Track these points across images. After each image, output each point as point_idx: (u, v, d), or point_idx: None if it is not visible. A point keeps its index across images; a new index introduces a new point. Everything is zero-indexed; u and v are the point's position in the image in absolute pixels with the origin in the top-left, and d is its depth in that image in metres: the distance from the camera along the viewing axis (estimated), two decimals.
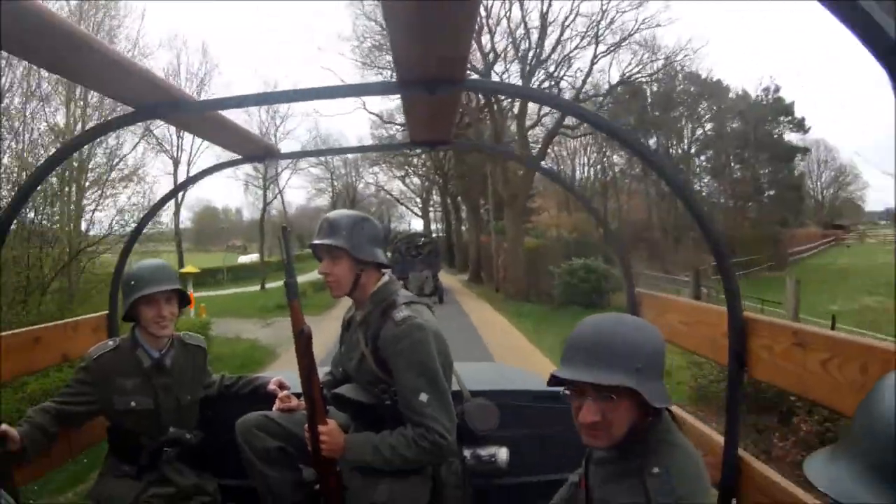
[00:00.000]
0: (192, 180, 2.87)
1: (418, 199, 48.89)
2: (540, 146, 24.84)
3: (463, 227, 40.74)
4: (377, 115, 29.34)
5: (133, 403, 2.15)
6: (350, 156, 39.51)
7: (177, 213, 24.68)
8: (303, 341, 1.95)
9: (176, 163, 28.75)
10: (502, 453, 2.17)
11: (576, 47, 22.81)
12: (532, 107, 22.68)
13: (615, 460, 1.37)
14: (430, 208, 49.31)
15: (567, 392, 1.35)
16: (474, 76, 18.12)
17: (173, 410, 2.22)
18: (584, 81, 22.96)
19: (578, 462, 1.55)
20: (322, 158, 38.19)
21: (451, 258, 40.79)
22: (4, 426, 1.92)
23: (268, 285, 28.44)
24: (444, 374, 1.94)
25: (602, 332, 1.33)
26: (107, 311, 2.68)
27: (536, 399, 2.42)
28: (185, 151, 30.04)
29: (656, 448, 1.31)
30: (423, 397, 1.86)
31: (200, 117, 2.07)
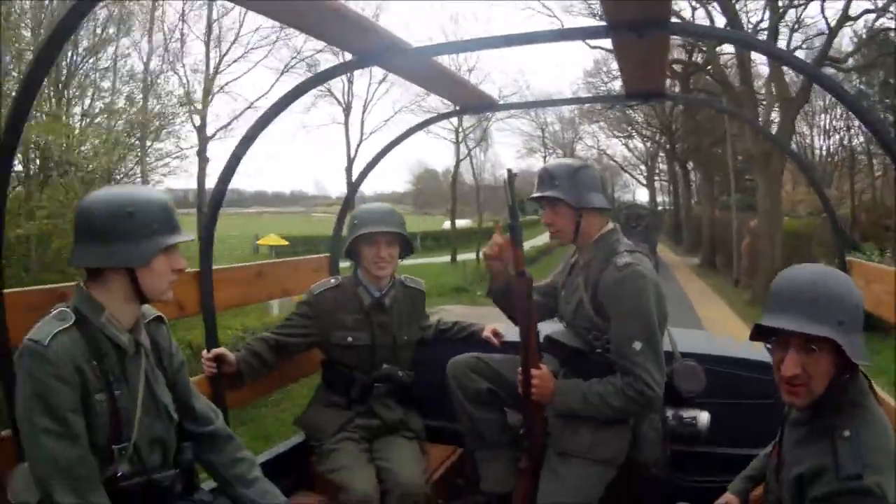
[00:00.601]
0: (405, 136, 3.00)
1: (643, 167, 45.14)
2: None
3: (693, 200, 35.96)
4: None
5: (350, 339, 2.32)
6: (566, 112, 37.69)
7: (349, 171, 24.04)
8: (523, 284, 1.99)
9: (347, 109, 25.68)
10: (703, 417, 2.11)
11: None
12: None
13: (808, 421, 1.37)
14: (656, 177, 45.17)
15: (769, 346, 1.38)
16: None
17: (388, 348, 2.36)
18: (830, 37, 15.84)
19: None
20: (532, 113, 36.30)
21: (678, 236, 35.88)
22: (222, 349, 2.17)
23: (463, 256, 25.06)
24: (659, 325, 1.91)
25: (807, 283, 1.34)
26: (329, 254, 2.94)
27: (744, 367, 2.36)
28: (358, 97, 28.16)
29: (850, 411, 1.31)
30: (637, 345, 1.85)
31: (417, 64, 2.15)
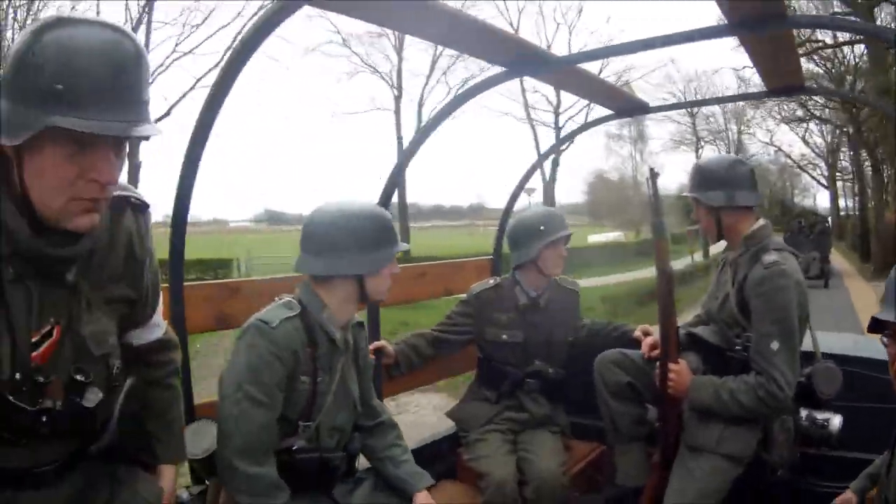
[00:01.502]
0: (567, 138, 3.11)
1: (823, 165, 39.24)
2: None
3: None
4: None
5: (505, 336, 2.53)
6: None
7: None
8: (664, 279, 2.09)
9: (398, 94, 20.86)
10: (836, 420, 2.09)
11: None
12: None
13: None
14: (839, 175, 39.18)
15: (884, 341, 1.40)
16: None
17: (541, 346, 2.55)
18: None
19: None
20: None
21: (865, 249, 26.63)
22: (382, 341, 2.44)
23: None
24: (799, 326, 1.97)
25: None
26: (491, 256, 3.20)
27: (879, 369, 2.20)
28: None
29: None
30: (774, 345, 1.92)
31: (565, 72, 2.27)
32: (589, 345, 2.57)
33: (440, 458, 2.57)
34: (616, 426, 2.32)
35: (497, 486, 2.21)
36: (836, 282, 18.72)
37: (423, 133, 2.43)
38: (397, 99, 19.98)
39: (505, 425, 2.48)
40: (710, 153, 33.67)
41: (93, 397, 1.13)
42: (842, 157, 35.91)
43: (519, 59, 2.11)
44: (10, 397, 1.04)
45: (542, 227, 2.47)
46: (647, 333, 2.50)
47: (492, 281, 2.63)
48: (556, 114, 17.96)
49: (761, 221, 2.12)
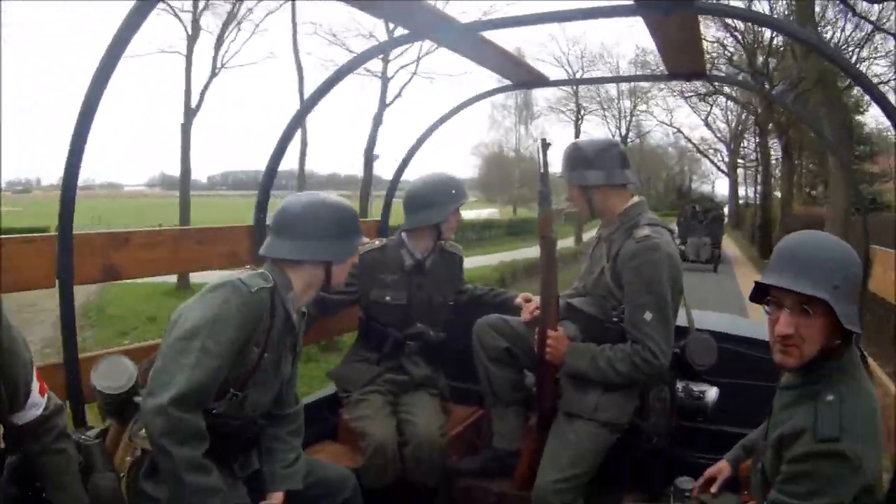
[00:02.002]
0: (457, 109, 3.09)
1: (724, 150, 38.61)
2: None
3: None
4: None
5: (388, 298, 2.59)
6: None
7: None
8: (546, 246, 2.20)
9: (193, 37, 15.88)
10: (711, 393, 2.26)
11: None
12: None
13: (798, 386, 1.48)
14: (740, 161, 38.58)
15: (767, 309, 1.47)
16: None
17: (423, 308, 2.63)
18: None
19: None
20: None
21: (766, 240, 24.18)
22: None
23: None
24: (672, 298, 2.09)
25: (806, 245, 1.44)
26: (378, 219, 3.24)
27: (759, 348, 2.40)
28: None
29: (837, 377, 1.41)
30: (647, 315, 2.04)
31: (468, 40, 2.27)
32: (471, 310, 2.65)
33: (321, 419, 2.61)
34: (494, 390, 2.41)
35: (377, 447, 2.28)
36: (727, 268, 19.71)
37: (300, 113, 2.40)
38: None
39: (385, 387, 2.54)
40: (592, 126, 32.83)
41: None
42: (744, 144, 35.76)
43: (421, 22, 2.10)
44: None
45: (453, 191, 2.55)
46: (527, 300, 2.59)
47: (377, 242, 2.67)
48: (386, 62, 16.51)
49: (635, 199, 2.24)
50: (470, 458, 2.50)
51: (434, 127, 3.15)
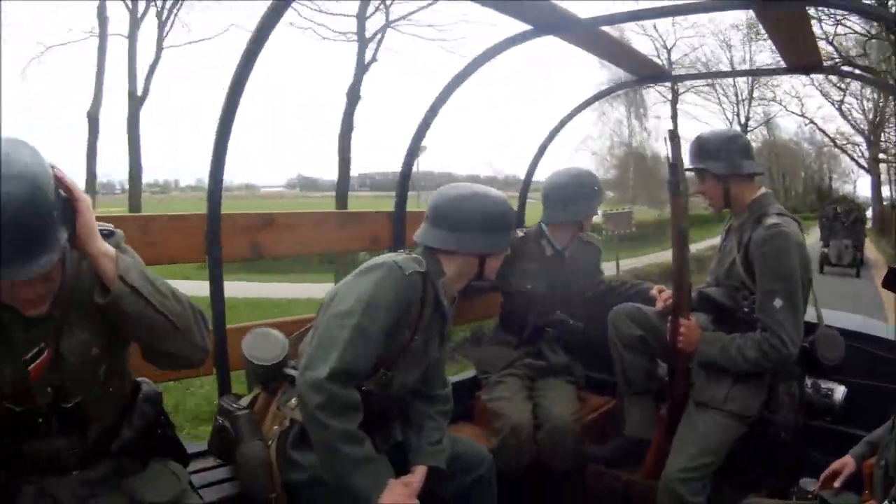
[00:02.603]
0: (583, 106, 3.13)
1: (862, 144, 32.42)
2: None
3: None
4: None
5: (529, 286, 2.70)
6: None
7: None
8: (678, 235, 2.23)
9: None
10: (839, 391, 2.25)
11: None
12: None
13: None
14: (882, 155, 32.06)
15: None
16: None
17: (562, 297, 2.72)
18: None
19: None
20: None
21: None
22: None
23: None
24: (802, 287, 2.09)
25: None
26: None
27: (888, 348, 2.38)
28: None
29: None
30: (777, 302, 2.05)
31: (591, 34, 2.34)
32: (607, 301, 2.70)
33: (459, 400, 2.70)
34: (627, 377, 2.46)
35: (512, 428, 2.36)
36: (869, 273, 18.45)
37: (434, 107, 2.54)
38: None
39: (523, 370, 2.64)
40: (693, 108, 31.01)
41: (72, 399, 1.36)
42: (886, 137, 30.15)
43: (545, 18, 2.19)
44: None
45: (595, 187, 2.67)
46: (661, 291, 2.63)
47: (519, 232, 2.76)
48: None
49: (763, 190, 2.26)
50: (601, 446, 2.57)
51: (562, 124, 3.24)
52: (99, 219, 1.35)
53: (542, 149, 3.35)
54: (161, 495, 1.43)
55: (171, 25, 14.89)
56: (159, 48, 14.65)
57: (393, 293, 1.70)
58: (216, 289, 2.06)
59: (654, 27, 26.54)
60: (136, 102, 14.14)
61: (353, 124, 13.94)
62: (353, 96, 13.98)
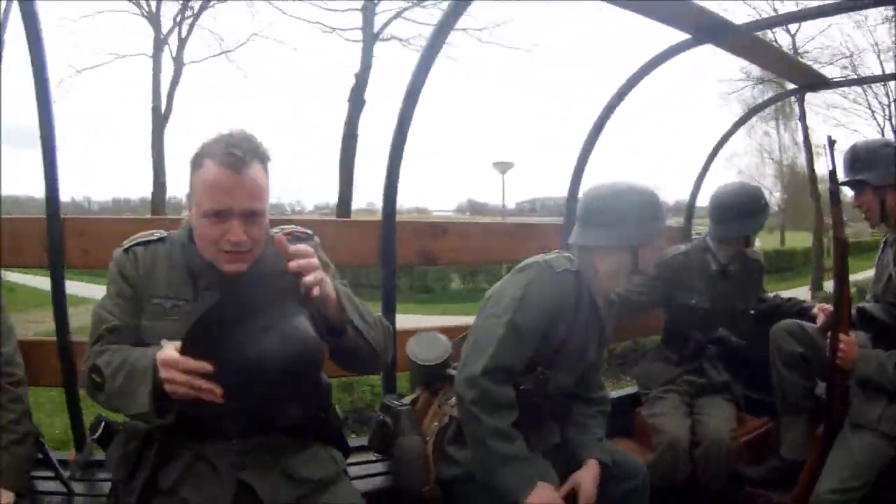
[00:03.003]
0: (737, 126, 3.05)
1: None
2: None
3: None
4: None
5: (693, 301, 2.67)
6: None
7: None
8: (838, 248, 2.15)
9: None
10: None
11: None
12: None
13: None
14: None
15: None
16: None
17: (726, 313, 2.68)
18: None
19: None
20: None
21: None
22: None
23: None
24: None
25: None
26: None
27: None
28: None
29: None
30: None
31: (749, 40, 2.30)
32: (769, 319, 2.62)
33: (619, 414, 2.64)
34: (785, 395, 2.40)
35: (670, 444, 2.34)
36: None
37: (599, 123, 2.60)
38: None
39: (683, 387, 2.61)
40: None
41: None
42: None
43: (704, 26, 2.19)
44: None
45: (762, 202, 2.61)
46: (823, 310, 2.53)
47: (682, 247, 2.76)
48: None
49: None
50: (756, 467, 2.49)
51: (720, 145, 3.20)
52: (293, 222, 1.56)
53: (703, 173, 3.32)
54: (314, 472, 1.49)
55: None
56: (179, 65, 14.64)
57: (544, 291, 1.74)
58: (387, 291, 2.19)
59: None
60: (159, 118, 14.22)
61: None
62: None
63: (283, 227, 1.59)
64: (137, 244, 1.51)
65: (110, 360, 1.34)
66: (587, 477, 1.82)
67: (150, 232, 1.54)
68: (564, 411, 1.97)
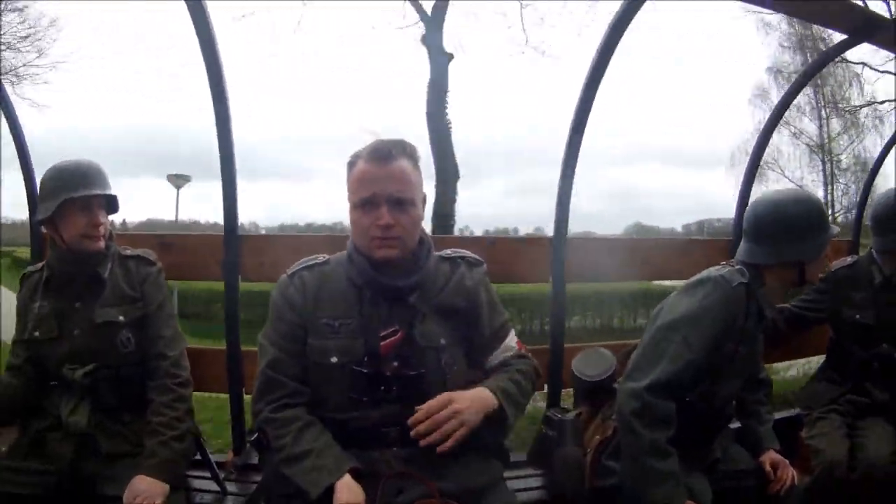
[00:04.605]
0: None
1: None
2: None
3: None
4: None
5: (858, 316, 2.52)
6: None
7: None
8: None
9: None
10: None
11: None
12: None
13: None
14: None
15: None
16: None
17: (891, 328, 2.48)
18: None
19: None
20: None
21: None
22: None
23: None
24: None
25: None
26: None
27: None
28: None
29: None
30: None
31: None
32: None
33: (780, 436, 2.60)
34: None
35: (828, 465, 2.23)
36: None
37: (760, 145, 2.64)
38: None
39: (845, 407, 2.48)
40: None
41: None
42: None
43: (861, 25, 2.12)
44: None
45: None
46: None
47: (849, 259, 2.64)
48: None
49: None
50: None
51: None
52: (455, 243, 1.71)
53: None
54: (471, 481, 1.52)
55: None
56: None
57: (720, 305, 1.74)
58: (556, 308, 2.29)
59: None
60: None
61: None
62: None
63: (456, 249, 1.70)
64: (303, 268, 1.63)
65: (286, 444, 1.46)
66: (776, 457, 1.96)
67: (313, 256, 1.66)
68: (726, 422, 1.97)
